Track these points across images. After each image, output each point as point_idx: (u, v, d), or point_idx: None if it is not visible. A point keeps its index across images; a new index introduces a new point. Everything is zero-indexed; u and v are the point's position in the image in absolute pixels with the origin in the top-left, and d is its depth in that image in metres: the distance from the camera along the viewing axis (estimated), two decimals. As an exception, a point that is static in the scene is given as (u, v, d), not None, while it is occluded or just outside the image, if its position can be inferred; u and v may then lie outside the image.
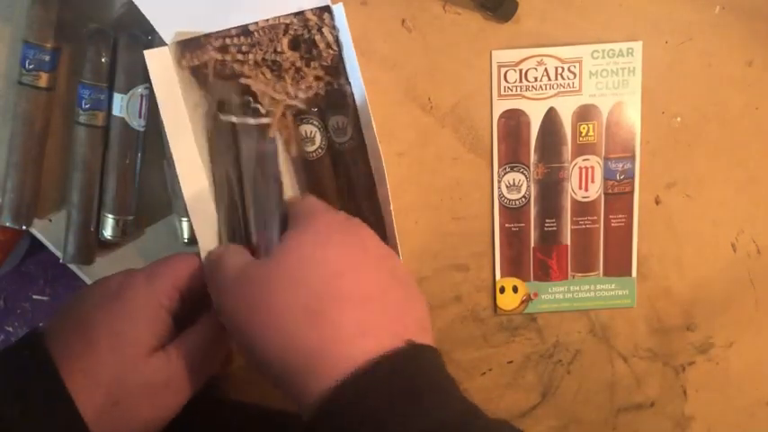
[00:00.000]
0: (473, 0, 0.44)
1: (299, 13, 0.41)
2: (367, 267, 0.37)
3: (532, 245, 0.48)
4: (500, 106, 0.46)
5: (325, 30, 0.41)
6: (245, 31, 0.41)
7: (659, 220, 0.48)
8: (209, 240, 0.43)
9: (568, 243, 0.48)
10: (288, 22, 0.41)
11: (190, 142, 0.41)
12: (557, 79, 0.46)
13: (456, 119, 0.47)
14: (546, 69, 0.46)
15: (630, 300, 0.49)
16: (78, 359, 0.36)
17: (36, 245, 0.53)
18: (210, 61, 0.42)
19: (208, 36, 0.41)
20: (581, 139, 0.47)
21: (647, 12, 0.45)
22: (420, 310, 0.38)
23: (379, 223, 0.43)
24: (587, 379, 0.51)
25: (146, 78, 0.45)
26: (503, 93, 0.46)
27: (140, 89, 0.45)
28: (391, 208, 0.42)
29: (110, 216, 0.46)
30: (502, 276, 0.49)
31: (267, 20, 0.41)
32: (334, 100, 0.44)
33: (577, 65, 0.46)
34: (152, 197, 0.48)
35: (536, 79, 0.46)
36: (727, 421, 0.52)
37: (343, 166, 0.45)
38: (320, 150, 0.45)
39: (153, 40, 0.44)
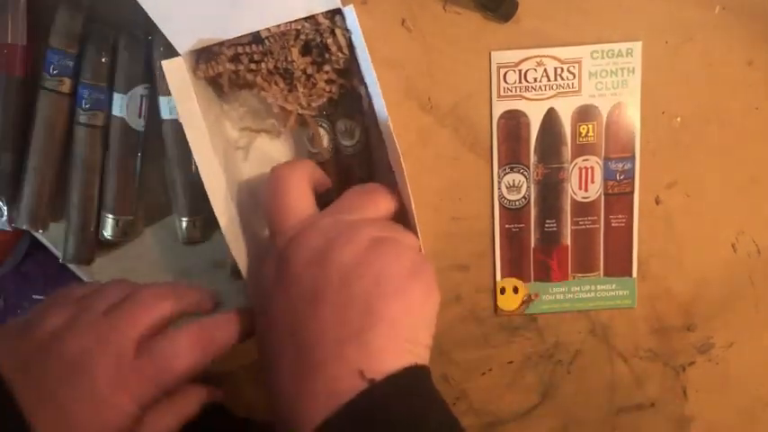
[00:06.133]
0: (473, 0, 0.44)
1: (310, 18, 0.41)
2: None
3: (533, 245, 0.48)
4: (500, 107, 0.46)
5: (337, 32, 0.41)
6: (256, 38, 0.41)
7: (659, 220, 0.48)
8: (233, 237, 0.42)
9: (569, 243, 0.48)
10: (299, 27, 0.41)
11: (209, 151, 0.41)
12: (556, 80, 0.46)
13: (456, 119, 0.47)
14: (545, 70, 0.46)
15: (631, 300, 0.49)
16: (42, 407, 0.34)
17: (36, 245, 0.52)
18: (225, 73, 0.42)
19: (221, 45, 0.41)
20: (581, 139, 0.47)
21: (647, 12, 0.45)
22: None
23: None
24: (587, 379, 0.51)
25: (146, 78, 0.45)
26: (502, 93, 0.46)
27: (140, 89, 0.45)
28: (413, 203, 0.41)
29: (110, 216, 0.46)
30: (502, 277, 0.49)
31: (279, 26, 0.41)
32: (347, 103, 0.44)
33: (577, 65, 0.46)
34: (152, 197, 0.48)
35: (535, 80, 0.46)
36: (727, 421, 0.52)
37: (345, 170, 0.45)
38: (327, 153, 0.45)
39: (153, 39, 0.44)
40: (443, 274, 0.49)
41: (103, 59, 0.44)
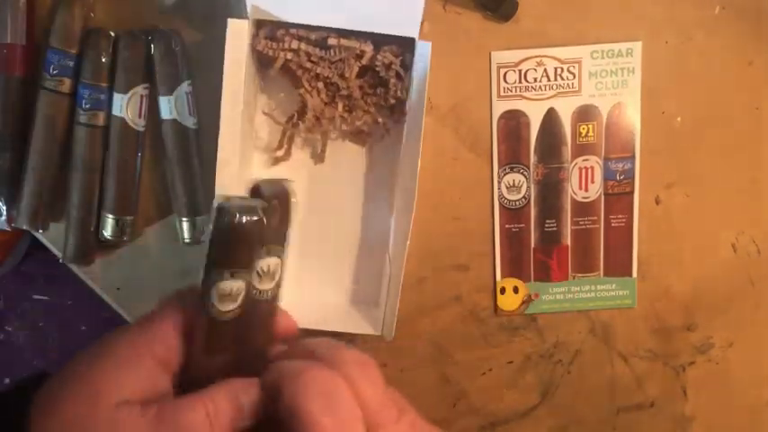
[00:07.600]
0: (473, 0, 0.44)
1: (379, 49, 0.41)
2: None
3: (533, 245, 0.48)
4: (500, 107, 0.46)
5: (404, 76, 0.41)
6: (322, 42, 0.41)
7: (659, 220, 0.48)
8: None
9: (569, 243, 0.48)
10: (366, 49, 0.41)
11: (236, 129, 0.41)
12: (556, 80, 0.46)
13: (456, 119, 0.47)
14: (545, 70, 0.46)
15: (631, 300, 0.49)
16: (45, 410, 0.29)
17: (36, 245, 0.53)
18: (280, 59, 0.42)
19: (287, 31, 0.41)
20: (581, 139, 0.47)
21: (647, 12, 0.45)
22: None
23: None
24: (587, 379, 0.51)
25: (146, 78, 0.45)
26: (502, 93, 0.46)
27: (140, 89, 0.45)
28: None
29: (110, 216, 0.46)
30: (502, 277, 0.49)
31: (349, 39, 0.41)
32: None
33: (577, 65, 0.46)
34: (152, 197, 0.48)
35: (535, 80, 0.46)
36: (727, 421, 0.52)
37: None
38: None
39: (153, 39, 0.44)
40: (443, 274, 0.49)
41: (103, 59, 0.44)
